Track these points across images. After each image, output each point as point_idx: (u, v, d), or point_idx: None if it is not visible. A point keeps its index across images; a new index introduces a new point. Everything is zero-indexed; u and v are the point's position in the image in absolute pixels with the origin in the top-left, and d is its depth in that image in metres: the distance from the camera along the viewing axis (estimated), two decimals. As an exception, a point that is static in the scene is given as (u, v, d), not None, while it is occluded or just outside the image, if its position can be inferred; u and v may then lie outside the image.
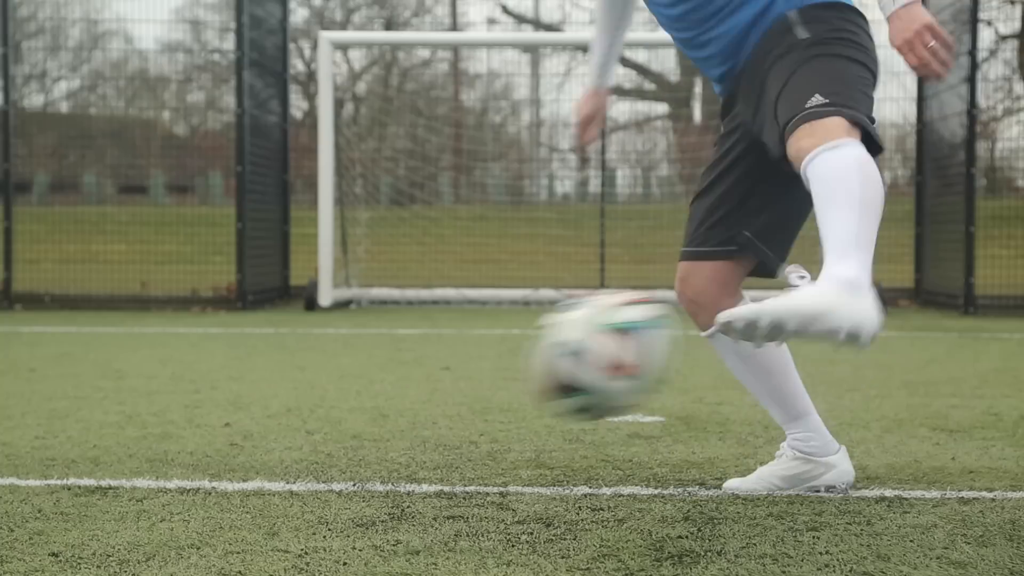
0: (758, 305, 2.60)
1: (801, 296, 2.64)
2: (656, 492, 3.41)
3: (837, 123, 2.75)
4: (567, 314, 2.77)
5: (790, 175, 2.87)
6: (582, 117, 3.56)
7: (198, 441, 4.22)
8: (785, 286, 2.71)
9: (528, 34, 18.90)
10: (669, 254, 14.07)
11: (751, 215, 3.25)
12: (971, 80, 11.18)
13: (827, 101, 2.78)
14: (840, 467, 3.40)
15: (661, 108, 17.82)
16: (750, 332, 2.56)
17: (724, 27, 3.14)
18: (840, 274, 2.66)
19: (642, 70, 18.69)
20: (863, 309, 2.61)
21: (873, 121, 2.88)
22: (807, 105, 2.79)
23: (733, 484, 3.44)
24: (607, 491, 3.41)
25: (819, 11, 3.02)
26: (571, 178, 16.42)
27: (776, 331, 2.56)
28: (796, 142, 2.78)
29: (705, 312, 3.25)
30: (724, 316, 2.58)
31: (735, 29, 3.12)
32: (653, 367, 2.75)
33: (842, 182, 2.69)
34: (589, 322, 2.72)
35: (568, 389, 2.74)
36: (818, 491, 3.38)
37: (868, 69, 3.00)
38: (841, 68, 2.92)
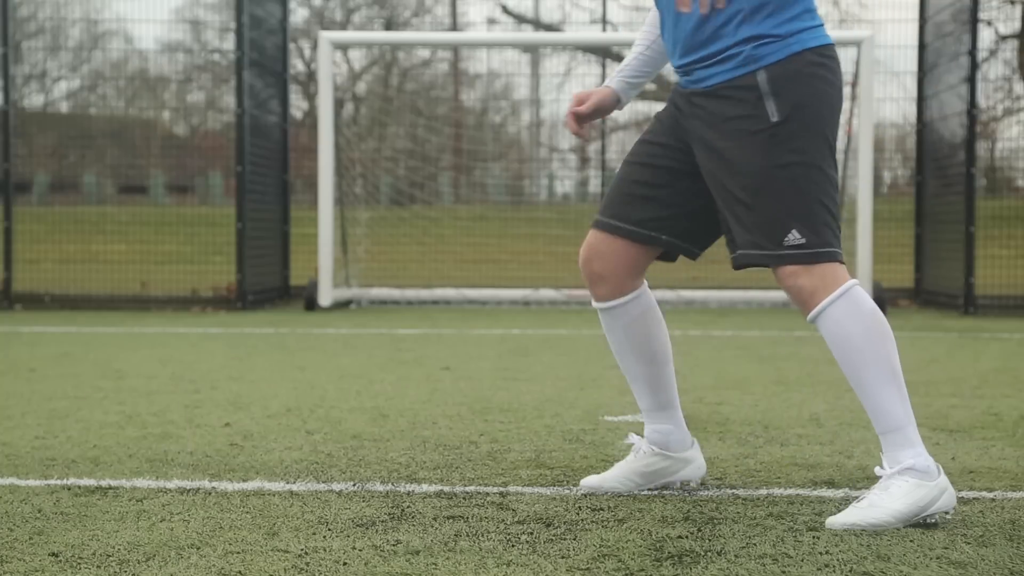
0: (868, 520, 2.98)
1: (895, 501, 2.99)
2: (656, 492, 3.41)
3: (831, 270, 3.06)
4: None
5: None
6: (586, 107, 3.38)
7: (198, 441, 4.22)
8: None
9: (528, 34, 18.90)
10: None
11: (678, 205, 3.28)
12: (971, 80, 11.18)
13: (804, 242, 3.03)
14: (695, 462, 3.47)
15: (661, 108, 17.81)
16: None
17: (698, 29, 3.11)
18: (914, 465, 3.02)
19: (642, 70, 18.65)
20: (943, 488, 3.01)
21: (837, 220, 3.10)
22: (786, 242, 3.03)
23: (592, 482, 3.42)
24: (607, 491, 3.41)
25: (789, 76, 3.03)
26: (571, 178, 16.43)
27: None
28: (793, 279, 3.05)
29: (605, 285, 3.35)
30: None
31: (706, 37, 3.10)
32: None
33: (872, 350, 3.19)
34: None
35: None
36: (673, 486, 3.42)
37: (832, 163, 3.10)
38: (809, 186, 3.04)
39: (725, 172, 3.09)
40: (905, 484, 2.98)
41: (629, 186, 3.32)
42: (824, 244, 3.04)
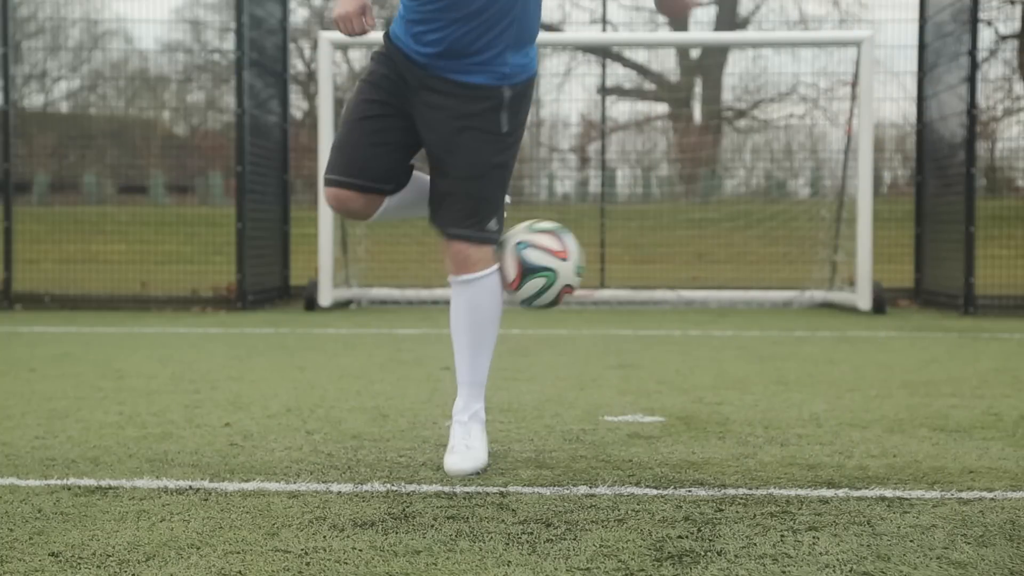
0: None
1: (483, 446, 3.76)
2: (656, 492, 3.41)
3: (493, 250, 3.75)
4: (512, 230, 3.87)
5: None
6: (351, 9, 3.62)
7: (198, 441, 4.22)
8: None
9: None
10: (669, 254, 14.10)
11: (401, 159, 3.80)
12: (971, 80, 11.17)
13: (498, 230, 3.76)
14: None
15: (661, 108, 17.82)
16: None
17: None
18: (480, 415, 3.80)
19: (642, 70, 18.69)
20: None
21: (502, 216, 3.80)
22: (488, 228, 3.72)
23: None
24: (607, 491, 3.41)
25: (523, 98, 3.72)
26: (571, 178, 16.42)
27: None
28: (471, 251, 3.70)
29: (357, 216, 3.85)
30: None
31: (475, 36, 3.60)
32: (575, 255, 3.83)
33: (496, 319, 3.79)
34: (527, 228, 3.86)
35: (529, 271, 3.77)
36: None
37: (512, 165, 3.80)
38: (506, 184, 3.78)
39: (451, 155, 3.66)
40: (480, 429, 3.74)
41: (364, 150, 3.75)
42: (500, 227, 3.79)
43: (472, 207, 3.68)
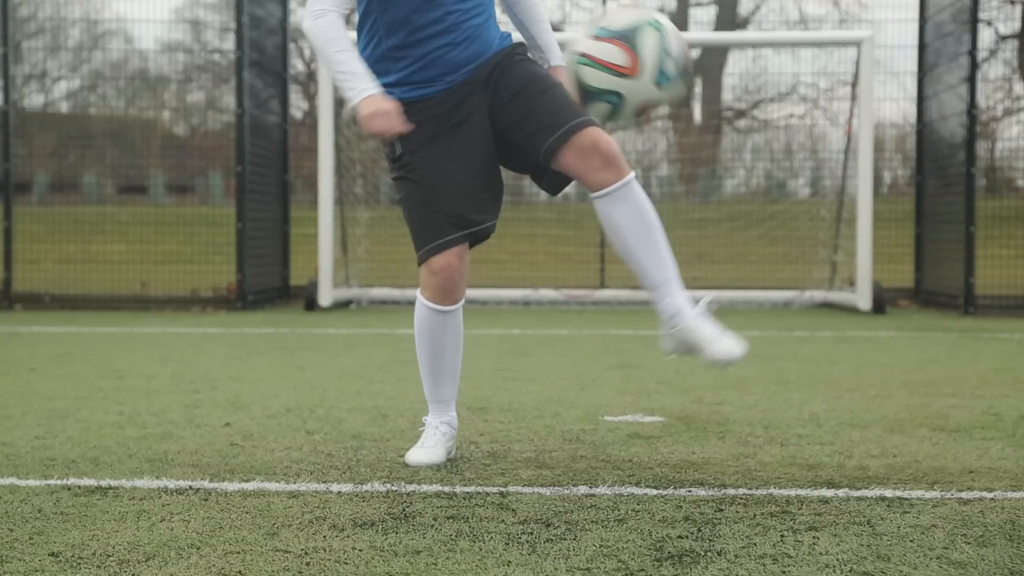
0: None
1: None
2: (656, 492, 3.41)
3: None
4: (580, 30, 3.35)
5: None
6: (391, 107, 3.58)
7: (198, 441, 4.22)
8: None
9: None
10: (669, 254, 14.10)
11: (496, 195, 3.72)
12: (971, 80, 11.17)
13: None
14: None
15: (661, 108, 17.81)
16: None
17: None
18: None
19: (642, 70, 18.67)
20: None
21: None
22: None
23: (418, 457, 3.79)
24: (607, 491, 3.41)
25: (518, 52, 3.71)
26: (571, 178, 16.40)
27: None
28: (595, 138, 3.43)
29: (461, 287, 3.88)
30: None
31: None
32: (650, 64, 3.19)
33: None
34: (592, 31, 3.22)
35: (591, 94, 3.23)
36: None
37: None
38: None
39: (526, 81, 3.51)
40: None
41: (473, 197, 3.67)
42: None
43: (569, 102, 3.45)
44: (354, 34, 3.73)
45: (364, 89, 3.57)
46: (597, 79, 3.19)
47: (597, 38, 3.17)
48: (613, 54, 3.15)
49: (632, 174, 3.47)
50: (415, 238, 3.72)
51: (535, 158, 3.57)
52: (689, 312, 3.44)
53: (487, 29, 3.67)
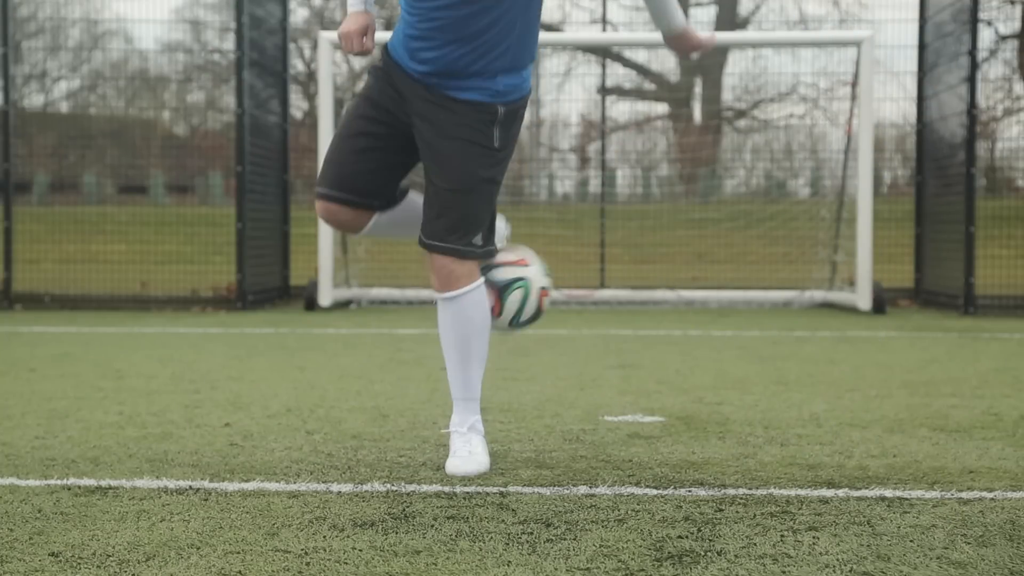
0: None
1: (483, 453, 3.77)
2: (656, 492, 3.41)
3: (477, 266, 3.75)
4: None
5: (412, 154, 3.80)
6: (353, 29, 3.70)
7: (198, 441, 4.22)
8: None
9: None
10: (669, 254, 14.08)
11: (391, 177, 3.85)
12: (971, 80, 11.17)
13: (482, 244, 3.73)
14: None
15: (661, 108, 17.82)
16: None
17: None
18: (478, 427, 3.83)
19: (642, 70, 18.69)
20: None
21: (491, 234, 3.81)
22: (474, 242, 3.69)
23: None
24: (607, 491, 3.41)
25: (515, 116, 3.74)
26: (571, 178, 16.42)
27: None
28: (455, 267, 3.68)
29: (347, 228, 3.94)
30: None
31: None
32: (534, 258, 3.93)
33: (485, 333, 3.78)
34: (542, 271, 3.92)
35: (503, 288, 3.82)
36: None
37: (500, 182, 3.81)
38: (494, 199, 3.76)
39: (441, 166, 3.67)
40: (479, 439, 3.76)
41: (355, 167, 3.80)
42: (488, 244, 3.77)
43: (456, 221, 3.67)
44: None
45: (351, 5, 3.78)
46: (503, 273, 3.86)
47: (547, 276, 3.93)
48: (505, 256, 3.91)
49: (468, 288, 3.72)
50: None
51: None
52: (458, 430, 3.79)
53: (475, 56, 3.63)
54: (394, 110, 3.74)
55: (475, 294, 3.73)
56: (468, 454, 3.70)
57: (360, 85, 19.87)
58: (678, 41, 4.00)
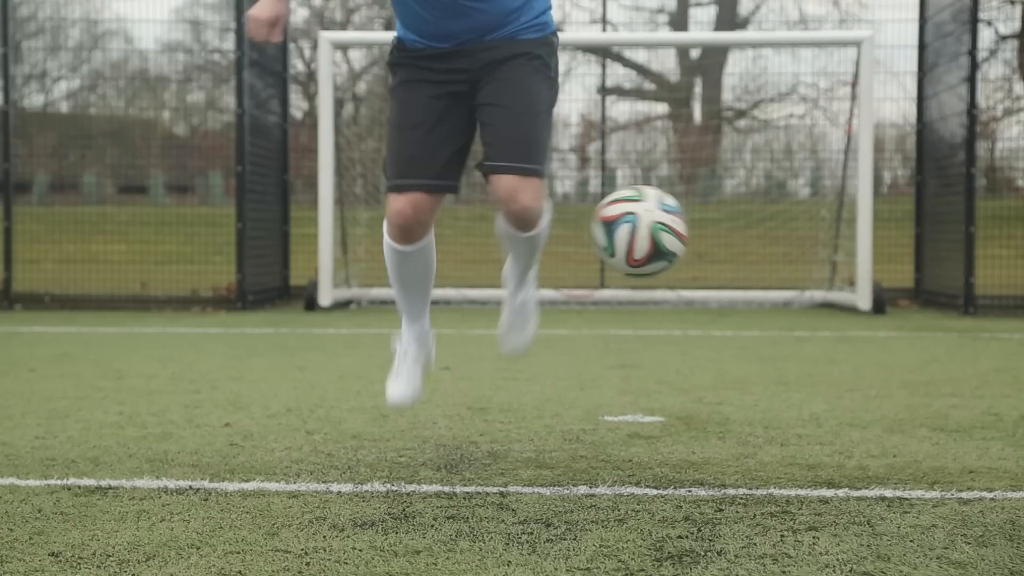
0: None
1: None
2: (656, 492, 3.41)
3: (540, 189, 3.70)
4: (642, 201, 3.70)
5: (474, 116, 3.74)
6: (264, 16, 3.62)
7: (198, 441, 4.22)
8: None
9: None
10: (669, 254, 14.12)
11: (463, 153, 3.80)
12: (971, 80, 11.17)
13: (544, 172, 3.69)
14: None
15: (661, 108, 17.82)
16: None
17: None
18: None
19: (642, 70, 18.69)
20: None
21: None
22: (541, 164, 3.65)
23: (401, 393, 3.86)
24: (607, 491, 3.41)
25: (557, 46, 3.84)
26: (571, 178, 16.42)
27: None
28: (513, 186, 3.61)
29: (421, 228, 3.80)
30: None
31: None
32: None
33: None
34: (660, 205, 3.67)
35: (663, 253, 3.64)
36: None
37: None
38: (547, 133, 3.74)
39: (511, 89, 3.63)
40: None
41: (434, 150, 3.73)
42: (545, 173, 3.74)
43: (526, 143, 3.62)
44: None
45: None
46: (671, 243, 3.65)
47: (666, 211, 3.67)
48: (679, 225, 3.68)
49: (536, 230, 3.76)
50: (388, 164, 3.79)
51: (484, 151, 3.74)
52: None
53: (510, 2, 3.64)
54: (446, 82, 3.68)
55: (546, 228, 3.84)
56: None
57: (359, 85, 19.86)
58: None
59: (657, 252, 3.66)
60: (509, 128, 3.63)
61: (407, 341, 3.96)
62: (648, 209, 3.66)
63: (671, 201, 3.73)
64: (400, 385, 3.84)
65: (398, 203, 3.71)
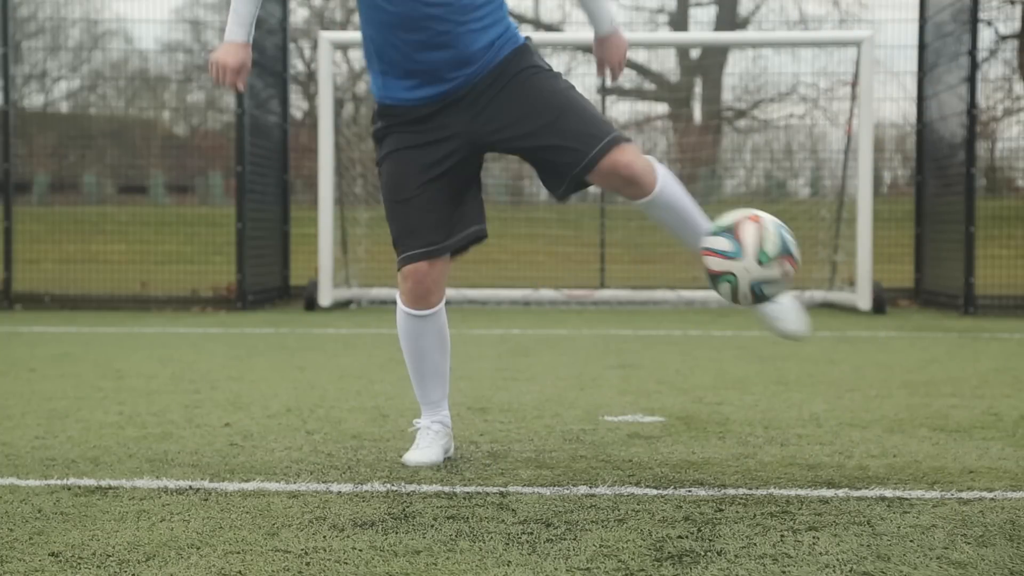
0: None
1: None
2: (656, 492, 3.41)
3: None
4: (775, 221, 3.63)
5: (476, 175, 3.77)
6: (231, 64, 3.62)
7: (198, 441, 4.22)
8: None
9: (528, 34, 18.90)
10: (669, 254, 14.11)
11: (473, 210, 3.77)
12: (971, 80, 11.17)
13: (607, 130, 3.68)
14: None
15: (661, 108, 17.82)
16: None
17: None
18: None
19: (642, 70, 18.69)
20: None
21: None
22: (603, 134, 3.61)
23: (415, 458, 3.82)
24: (607, 491, 3.41)
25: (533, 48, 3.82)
26: (571, 178, 16.40)
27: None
28: (625, 157, 3.57)
29: (434, 294, 3.76)
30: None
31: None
32: (751, 248, 3.59)
33: None
34: (756, 257, 3.58)
35: (760, 300, 3.62)
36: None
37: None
38: (586, 101, 3.76)
39: (534, 108, 3.61)
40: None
41: (444, 216, 3.72)
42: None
43: (588, 117, 3.59)
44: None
45: (231, 33, 3.67)
46: (773, 291, 3.65)
47: (762, 264, 3.59)
48: (786, 261, 3.62)
49: (657, 185, 3.61)
50: (392, 238, 3.78)
51: (559, 175, 3.64)
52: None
53: (479, 32, 3.61)
54: (441, 137, 3.65)
55: (670, 178, 3.69)
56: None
57: (359, 85, 19.86)
58: (606, 43, 3.93)
59: (760, 299, 3.66)
60: (558, 135, 3.58)
61: (430, 422, 3.91)
62: (747, 269, 3.59)
63: (771, 246, 3.60)
64: (418, 454, 3.83)
65: (410, 268, 3.72)
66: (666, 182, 3.64)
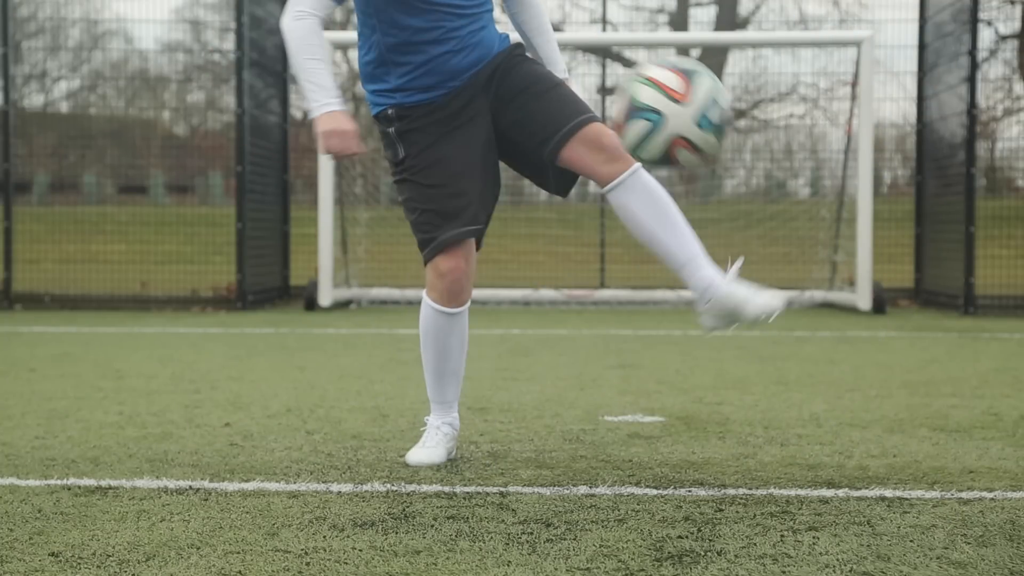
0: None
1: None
2: (656, 492, 3.41)
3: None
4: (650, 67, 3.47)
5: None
6: (349, 130, 3.58)
7: (198, 441, 4.22)
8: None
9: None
10: (669, 254, 14.10)
11: (494, 194, 3.77)
12: (971, 80, 11.17)
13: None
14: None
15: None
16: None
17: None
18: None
19: (642, 70, 18.67)
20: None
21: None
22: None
23: (418, 457, 3.80)
24: (607, 491, 3.41)
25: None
26: (571, 178, 16.40)
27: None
28: (597, 132, 3.58)
29: (467, 291, 3.75)
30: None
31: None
32: (699, 100, 3.36)
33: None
34: (657, 62, 3.47)
35: (636, 109, 3.41)
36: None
37: None
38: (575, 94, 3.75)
39: (533, 82, 3.62)
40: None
41: (474, 194, 3.70)
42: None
43: (571, 100, 3.61)
44: (342, 36, 3.79)
45: (327, 104, 3.58)
46: (647, 96, 3.37)
47: (660, 66, 3.40)
48: (670, 79, 3.36)
49: (634, 166, 3.54)
50: (420, 239, 3.71)
51: (539, 157, 3.65)
52: (720, 281, 3.48)
53: (487, 35, 3.70)
54: (452, 124, 3.67)
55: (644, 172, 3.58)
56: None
57: (359, 85, 19.85)
58: None
59: (632, 109, 3.45)
60: (543, 108, 3.60)
61: (441, 422, 3.90)
62: (642, 65, 3.52)
63: (680, 60, 3.49)
64: (423, 453, 3.82)
65: (450, 262, 3.68)
66: (644, 171, 3.55)
